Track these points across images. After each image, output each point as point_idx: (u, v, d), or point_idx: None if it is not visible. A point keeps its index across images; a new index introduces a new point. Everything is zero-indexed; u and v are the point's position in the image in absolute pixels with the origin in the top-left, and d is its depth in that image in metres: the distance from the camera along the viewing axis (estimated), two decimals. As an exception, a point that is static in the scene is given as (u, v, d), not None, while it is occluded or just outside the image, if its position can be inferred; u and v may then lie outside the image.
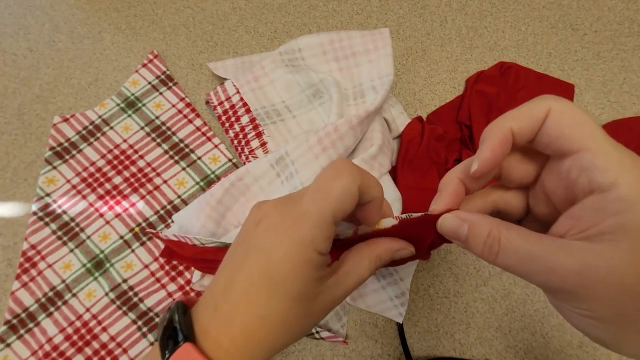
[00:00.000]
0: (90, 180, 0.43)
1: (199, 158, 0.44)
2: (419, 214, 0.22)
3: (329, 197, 0.19)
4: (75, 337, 0.37)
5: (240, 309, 0.20)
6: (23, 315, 0.38)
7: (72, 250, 0.40)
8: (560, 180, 0.18)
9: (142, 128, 0.45)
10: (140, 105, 0.46)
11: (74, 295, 0.39)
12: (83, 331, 0.38)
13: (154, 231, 0.37)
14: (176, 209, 0.42)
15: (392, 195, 0.37)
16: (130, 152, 0.44)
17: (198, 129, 0.45)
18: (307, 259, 0.19)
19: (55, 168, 0.43)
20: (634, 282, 0.15)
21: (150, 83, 0.47)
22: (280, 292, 0.19)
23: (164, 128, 0.45)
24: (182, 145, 0.44)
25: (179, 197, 0.42)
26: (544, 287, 0.18)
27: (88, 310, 0.38)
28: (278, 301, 0.20)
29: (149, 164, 0.43)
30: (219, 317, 0.20)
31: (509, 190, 0.22)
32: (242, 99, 0.42)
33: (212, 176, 0.43)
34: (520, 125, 0.18)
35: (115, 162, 0.43)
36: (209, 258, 0.34)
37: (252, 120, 0.41)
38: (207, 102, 0.44)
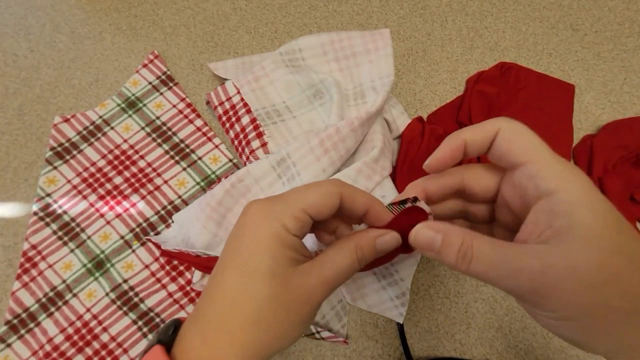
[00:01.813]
0: (91, 180, 0.43)
1: (200, 158, 0.44)
2: (403, 207, 0.23)
3: (309, 190, 0.21)
4: (75, 337, 0.37)
5: (214, 298, 0.20)
6: (23, 315, 0.38)
7: (72, 250, 0.40)
8: (515, 189, 0.21)
9: (143, 128, 0.45)
10: (140, 105, 0.46)
11: (74, 295, 0.39)
12: (83, 331, 0.38)
13: (154, 241, 0.37)
14: (176, 209, 0.42)
15: (393, 198, 0.37)
16: (130, 152, 0.44)
17: (198, 129, 0.45)
18: (273, 232, 0.20)
19: (55, 168, 0.43)
20: (589, 277, 0.17)
21: (150, 83, 0.47)
22: (248, 269, 0.20)
23: (164, 128, 0.45)
24: (182, 145, 0.44)
25: (180, 197, 0.42)
26: (514, 291, 0.19)
27: (88, 310, 0.38)
28: (247, 279, 0.20)
29: (149, 164, 0.43)
30: (195, 316, 0.21)
31: (475, 203, 0.24)
32: (242, 99, 0.42)
33: (213, 176, 0.43)
34: (473, 137, 0.21)
35: (116, 162, 0.43)
36: (211, 265, 0.34)
37: (253, 120, 0.41)
38: (208, 102, 0.44)
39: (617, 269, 0.17)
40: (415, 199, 0.23)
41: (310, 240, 0.27)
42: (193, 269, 0.40)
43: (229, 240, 0.22)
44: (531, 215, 0.19)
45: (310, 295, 0.20)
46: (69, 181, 0.42)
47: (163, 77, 0.47)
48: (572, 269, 0.17)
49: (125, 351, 0.38)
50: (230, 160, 0.44)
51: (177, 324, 0.22)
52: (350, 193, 0.22)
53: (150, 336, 0.38)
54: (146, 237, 0.38)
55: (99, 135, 0.44)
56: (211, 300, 0.20)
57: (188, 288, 0.39)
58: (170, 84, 0.47)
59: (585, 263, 0.17)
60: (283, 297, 0.20)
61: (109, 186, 0.42)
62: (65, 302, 0.39)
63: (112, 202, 0.42)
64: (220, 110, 0.42)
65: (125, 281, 0.39)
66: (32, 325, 0.38)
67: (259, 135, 0.40)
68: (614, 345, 0.18)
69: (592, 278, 0.17)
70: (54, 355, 0.37)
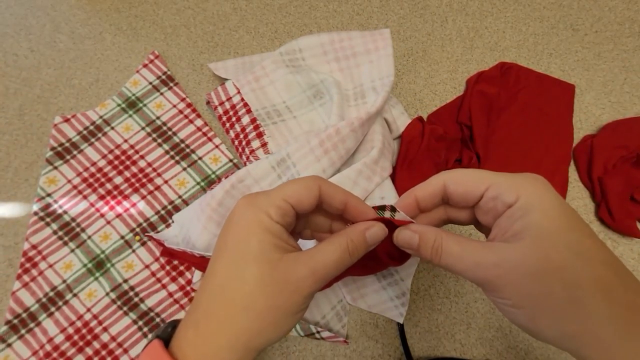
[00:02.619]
0: (91, 180, 0.43)
1: (200, 158, 0.44)
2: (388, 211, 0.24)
3: (290, 183, 0.23)
4: (75, 337, 0.38)
5: (206, 289, 0.21)
6: (24, 315, 0.38)
7: (72, 250, 0.40)
8: (487, 214, 0.23)
9: (143, 128, 0.45)
10: (140, 105, 0.46)
11: (75, 295, 0.39)
12: (84, 331, 0.38)
13: (156, 238, 0.37)
14: (177, 208, 0.42)
15: (393, 200, 0.37)
16: (130, 152, 0.44)
17: (198, 128, 0.45)
18: (258, 219, 0.21)
19: (56, 168, 0.43)
20: (536, 269, 0.19)
21: (150, 83, 0.47)
22: (237, 256, 0.21)
23: (164, 128, 0.45)
24: (182, 145, 0.44)
25: (180, 197, 0.43)
26: (476, 281, 0.22)
27: (88, 310, 0.38)
28: (235, 266, 0.20)
29: (149, 164, 0.43)
30: (190, 310, 0.21)
31: (458, 209, 0.26)
32: (242, 99, 0.42)
33: (213, 176, 0.43)
34: (422, 193, 0.24)
35: (116, 162, 0.43)
36: None
37: (253, 120, 0.41)
38: (208, 102, 0.44)
39: (562, 262, 0.19)
40: (393, 208, 0.24)
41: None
42: (193, 268, 0.40)
43: (220, 233, 0.23)
44: (498, 221, 0.22)
45: (300, 284, 0.21)
46: (69, 181, 0.42)
47: (163, 77, 0.47)
48: (521, 262, 0.19)
49: (126, 351, 0.38)
50: (231, 160, 0.44)
51: (175, 324, 0.22)
52: (328, 187, 0.23)
53: (150, 336, 0.38)
54: (147, 235, 0.38)
55: (100, 135, 0.44)
56: (203, 291, 0.21)
57: (188, 288, 0.39)
58: (171, 84, 0.47)
59: (531, 257, 0.19)
60: (271, 283, 0.20)
61: (109, 186, 0.42)
62: (66, 302, 0.39)
63: (112, 202, 0.42)
64: (220, 110, 0.42)
65: (125, 281, 0.39)
66: (32, 325, 0.38)
67: (259, 135, 0.40)
68: (558, 332, 0.19)
69: (536, 270, 0.19)
70: (55, 355, 0.37)
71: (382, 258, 0.26)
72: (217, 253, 0.22)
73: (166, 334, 0.21)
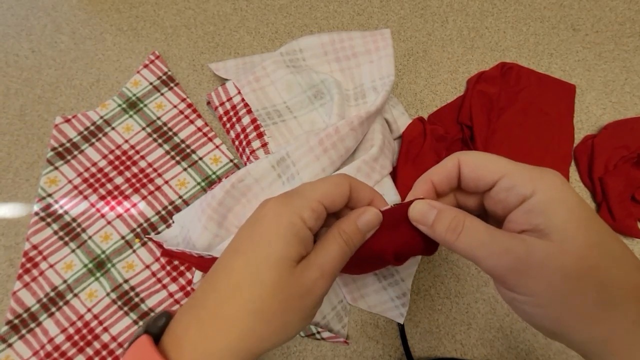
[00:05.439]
0: (92, 180, 0.43)
1: (200, 158, 0.44)
2: (398, 203, 0.24)
3: (321, 182, 0.22)
4: (76, 337, 0.38)
5: (218, 285, 0.20)
6: (24, 315, 0.38)
7: (73, 250, 0.40)
8: (496, 204, 0.22)
9: (144, 128, 0.45)
10: (141, 105, 0.46)
11: (75, 295, 0.39)
12: (84, 331, 0.38)
13: (156, 240, 0.37)
14: (177, 209, 0.42)
15: (392, 198, 0.38)
16: (131, 152, 0.44)
17: (199, 129, 0.45)
18: (290, 223, 0.20)
19: (56, 168, 0.43)
20: (568, 266, 0.18)
21: (151, 83, 0.47)
22: (259, 257, 0.20)
23: (165, 128, 0.45)
24: (183, 145, 0.44)
25: (180, 197, 0.43)
26: (497, 270, 0.20)
27: (89, 310, 0.38)
28: (255, 267, 0.20)
29: (150, 164, 0.43)
30: (192, 304, 0.20)
31: (468, 195, 0.25)
32: (243, 99, 0.42)
33: (213, 176, 0.43)
34: (438, 178, 0.23)
35: (117, 162, 0.43)
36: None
37: (253, 121, 0.41)
38: (208, 103, 0.44)
39: (595, 261, 0.18)
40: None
41: None
42: (194, 269, 0.40)
43: (243, 229, 0.22)
44: (512, 215, 0.21)
45: (312, 287, 0.20)
46: (69, 181, 0.42)
47: (164, 77, 0.47)
48: (554, 257, 0.18)
49: (126, 351, 0.38)
50: (231, 161, 0.44)
51: (167, 316, 0.21)
52: (356, 184, 0.23)
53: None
54: (147, 236, 0.38)
55: (100, 135, 0.44)
56: (214, 287, 0.20)
57: (189, 288, 0.39)
58: (171, 85, 0.47)
59: (565, 254, 0.18)
60: (287, 287, 0.20)
61: (109, 186, 0.43)
62: (66, 302, 0.39)
63: (113, 202, 0.42)
64: (221, 110, 0.42)
65: (126, 281, 0.39)
66: (33, 325, 0.38)
67: (260, 135, 0.40)
68: (588, 337, 0.18)
69: (571, 268, 0.18)
70: (55, 355, 0.37)
71: (384, 256, 0.26)
72: (238, 249, 0.21)
73: (156, 328, 0.20)
